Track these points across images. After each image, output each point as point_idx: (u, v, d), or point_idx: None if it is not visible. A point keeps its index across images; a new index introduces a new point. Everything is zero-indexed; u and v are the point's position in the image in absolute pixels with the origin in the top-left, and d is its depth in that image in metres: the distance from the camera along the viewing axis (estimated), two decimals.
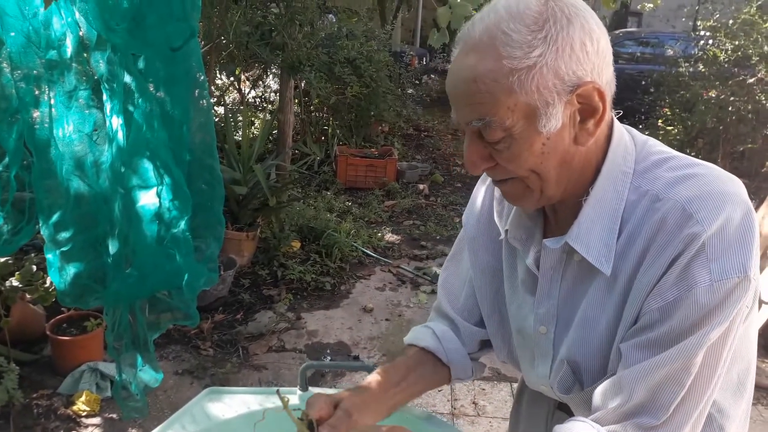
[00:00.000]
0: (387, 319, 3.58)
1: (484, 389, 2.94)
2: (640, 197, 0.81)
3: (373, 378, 0.98)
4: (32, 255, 2.77)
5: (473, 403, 2.84)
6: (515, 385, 2.98)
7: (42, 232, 1.64)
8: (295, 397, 1.18)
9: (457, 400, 2.85)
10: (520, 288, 0.96)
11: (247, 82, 6.36)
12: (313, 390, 1.20)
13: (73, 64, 1.70)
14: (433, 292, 3.91)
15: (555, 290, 0.90)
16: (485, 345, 1.09)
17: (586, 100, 0.78)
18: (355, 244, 4.33)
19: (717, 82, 4.96)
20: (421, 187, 5.80)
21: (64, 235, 1.67)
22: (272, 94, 6.45)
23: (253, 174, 3.99)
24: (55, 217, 1.66)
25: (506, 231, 0.95)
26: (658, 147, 0.87)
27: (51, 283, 2.59)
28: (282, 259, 3.97)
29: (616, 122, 0.86)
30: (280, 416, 1.14)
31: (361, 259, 4.28)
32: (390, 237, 4.73)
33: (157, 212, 1.80)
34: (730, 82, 4.85)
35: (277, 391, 0.86)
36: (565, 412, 1.01)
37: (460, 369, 1.07)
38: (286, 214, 4.27)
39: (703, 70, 5.23)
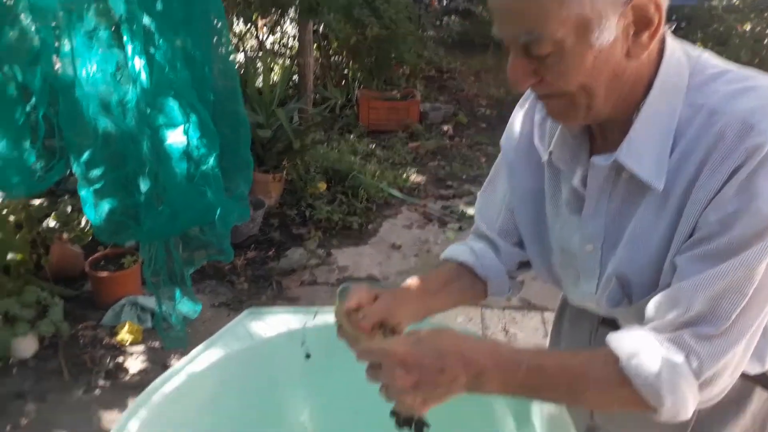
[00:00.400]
0: (416, 255, 3.63)
1: (514, 318, 2.99)
2: (695, 112, 0.79)
3: (410, 282, 1.01)
4: (66, 197, 2.84)
5: (504, 330, 2.90)
6: (546, 314, 3.04)
7: (74, 170, 1.68)
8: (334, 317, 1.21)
9: (488, 329, 2.91)
10: (564, 209, 0.96)
11: (265, 29, 6.26)
12: (355, 285, 1.22)
13: (92, 5, 1.70)
14: (461, 229, 3.93)
15: (602, 209, 0.89)
16: (524, 265, 1.11)
17: (642, 12, 0.75)
18: (380, 185, 4.34)
19: (752, 15, 4.75)
20: (445, 128, 5.72)
21: (96, 172, 1.71)
22: (290, 39, 6.35)
23: (275, 118, 3.99)
24: (85, 156, 1.70)
25: (550, 153, 0.94)
26: (712, 61, 0.84)
27: (86, 223, 2.67)
28: (309, 200, 4.01)
29: (669, 36, 0.83)
30: (323, 337, 1.17)
31: (387, 199, 4.30)
32: (415, 178, 4.73)
33: (185, 150, 1.83)
34: (766, 14, 4.63)
35: (339, 290, 0.89)
36: (609, 327, 1.02)
37: (496, 285, 1.08)
38: (311, 157, 4.29)
39: (737, 2, 5.00)
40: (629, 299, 0.89)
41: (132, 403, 0.99)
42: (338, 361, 1.15)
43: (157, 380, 1.04)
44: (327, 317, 1.19)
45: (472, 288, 1.08)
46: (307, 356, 0.97)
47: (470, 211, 4.16)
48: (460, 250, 1.10)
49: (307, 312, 1.23)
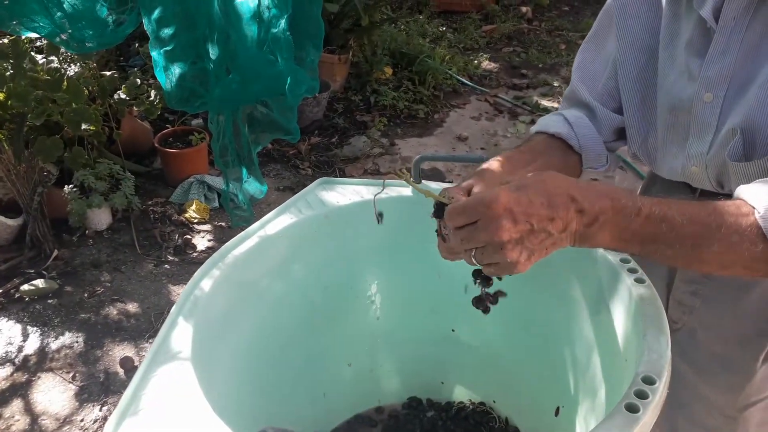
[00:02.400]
0: (482, 148, 3.49)
1: None
2: None
3: (495, 162, 0.90)
4: (135, 69, 2.81)
5: None
6: None
7: (146, 28, 1.61)
8: (408, 189, 1.14)
9: None
10: (683, 52, 0.84)
11: None
12: (427, 183, 1.16)
13: None
14: (533, 122, 3.73)
15: (734, 46, 0.77)
16: (622, 136, 0.99)
17: None
18: (449, 72, 4.13)
19: None
20: (523, 10, 5.31)
21: (167, 32, 1.64)
22: None
23: None
24: (156, 13, 1.62)
25: None
26: None
27: (156, 96, 2.64)
28: (374, 85, 3.87)
29: None
30: (395, 209, 1.12)
31: (455, 87, 4.10)
32: (487, 65, 4.47)
33: (256, 11, 1.72)
34: None
35: (403, 170, 0.78)
36: None
37: (593, 156, 0.97)
38: (378, 38, 4.08)
39: None
40: (746, 157, 0.78)
41: (206, 262, 0.97)
42: (409, 233, 1.11)
43: (230, 242, 1.01)
44: (399, 189, 1.13)
45: (565, 162, 0.97)
46: (380, 216, 0.88)
47: (545, 102, 3.93)
48: (552, 120, 0.98)
49: (380, 184, 1.16)
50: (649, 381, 0.67)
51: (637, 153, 0.96)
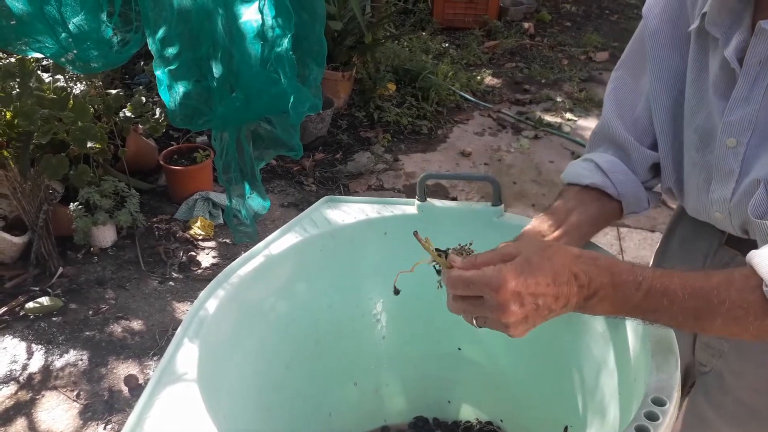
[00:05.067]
0: (486, 164, 3.48)
1: None
2: None
3: (527, 228, 0.89)
4: (141, 87, 2.83)
5: None
6: (622, 230, 2.88)
7: (150, 48, 1.62)
8: (413, 207, 1.14)
9: None
10: (710, 92, 0.80)
11: None
12: (432, 201, 1.15)
13: None
14: (537, 137, 3.73)
15: (758, 92, 0.74)
16: (658, 172, 0.95)
17: None
18: (452, 88, 4.14)
19: None
20: (525, 26, 5.33)
21: (171, 51, 1.65)
22: None
23: (347, 9, 3.80)
24: (160, 33, 1.63)
25: (703, 16, 0.78)
26: None
27: (160, 114, 2.65)
28: (378, 102, 3.89)
29: None
30: (400, 227, 1.12)
31: (458, 103, 4.11)
32: (490, 80, 4.48)
33: (259, 30, 1.73)
34: None
35: (414, 233, 0.77)
36: (733, 248, 0.88)
37: (633, 201, 0.93)
38: (382, 54, 4.11)
39: None
40: None
41: (211, 282, 0.96)
42: (414, 251, 1.10)
43: (236, 262, 1.01)
44: (404, 207, 1.13)
45: (600, 211, 0.92)
46: (396, 292, 0.87)
47: (548, 117, 3.93)
48: (584, 168, 0.94)
49: (385, 202, 1.17)
50: (660, 402, 0.66)
51: (672, 187, 0.93)
